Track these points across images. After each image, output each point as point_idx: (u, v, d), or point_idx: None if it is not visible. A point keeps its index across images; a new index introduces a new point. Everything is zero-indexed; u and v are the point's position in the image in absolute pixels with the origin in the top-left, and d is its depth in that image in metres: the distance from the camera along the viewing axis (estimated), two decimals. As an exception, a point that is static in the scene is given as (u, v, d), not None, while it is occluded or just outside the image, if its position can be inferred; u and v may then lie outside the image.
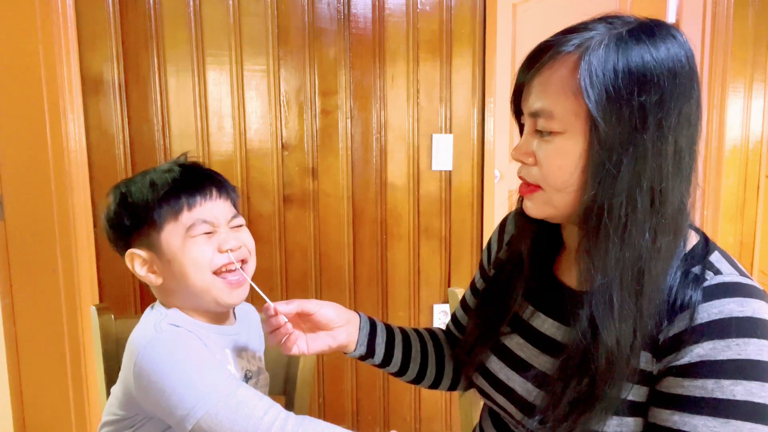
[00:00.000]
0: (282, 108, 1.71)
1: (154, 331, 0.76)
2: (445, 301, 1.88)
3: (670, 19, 2.19)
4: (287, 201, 1.74)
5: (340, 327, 0.82)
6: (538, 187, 0.67)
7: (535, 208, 0.69)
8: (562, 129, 0.63)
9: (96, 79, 1.59)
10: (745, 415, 0.57)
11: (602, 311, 0.62)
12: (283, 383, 1.12)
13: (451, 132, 1.83)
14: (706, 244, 0.67)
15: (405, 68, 1.77)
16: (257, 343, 0.92)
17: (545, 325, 0.75)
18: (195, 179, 0.82)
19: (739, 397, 0.57)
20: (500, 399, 0.78)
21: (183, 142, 1.65)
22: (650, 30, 0.61)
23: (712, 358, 0.58)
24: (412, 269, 1.87)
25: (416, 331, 0.95)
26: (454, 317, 0.97)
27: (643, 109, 0.59)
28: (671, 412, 0.61)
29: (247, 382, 0.84)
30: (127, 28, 1.59)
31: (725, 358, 0.58)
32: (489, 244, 0.93)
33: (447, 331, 0.98)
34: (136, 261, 0.80)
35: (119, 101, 1.60)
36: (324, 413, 1.86)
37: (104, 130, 1.61)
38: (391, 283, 1.85)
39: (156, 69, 1.62)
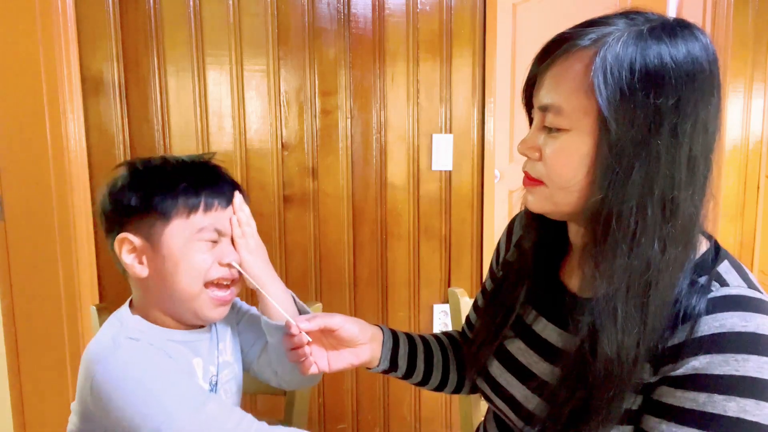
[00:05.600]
0: (282, 108, 1.71)
1: (112, 346, 0.71)
2: (445, 301, 1.88)
3: (670, 19, 2.18)
4: (287, 201, 1.74)
5: (363, 344, 0.80)
6: (541, 182, 0.65)
7: (535, 203, 0.67)
8: (569, 126, 0.61)
9: (96, 79, 1.59)
10: (734, 431, 0.55)
11: (605, 321, 0.60)
12: (283, 383, 1.12)
13: (451, 132, 1.83)
14: (716, 253, 0.64)
15: (405, 68, 1.77)
16: (229, 337, 0.88)
17: (546, 330, 0.73)
18: (218, 182, 0.78)
19: (730, 414, 0.55)
20: (500, 404, 0.78)
21: (183, 142, 1.65)
22: (672, 29, 0.58)
23: (708, 372, 0.56)
24: (412, 269, 1.87)
25: (436, 338, 0.93)
26: (467, 319, 0.96)
27: (658, 112, 0.56)
28: (659, 420, 0.59)
29: (212, 387, 0.81)
30: (127, 28, 1.59)
31: (721, 372, 0.56)
32: (498, 244, 0.92)
33: (463, 333, 0.97)
34: (126, 246, 0.74)
35: (119, 101, 1.60)
36: (324, 413, 1.86)
37: (104, 130, 1.61)
38: (391, 283, 1.85)
39: (156, 69, 1.62)
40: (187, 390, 0.70)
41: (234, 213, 0.79)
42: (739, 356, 0.55)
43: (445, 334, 0.96)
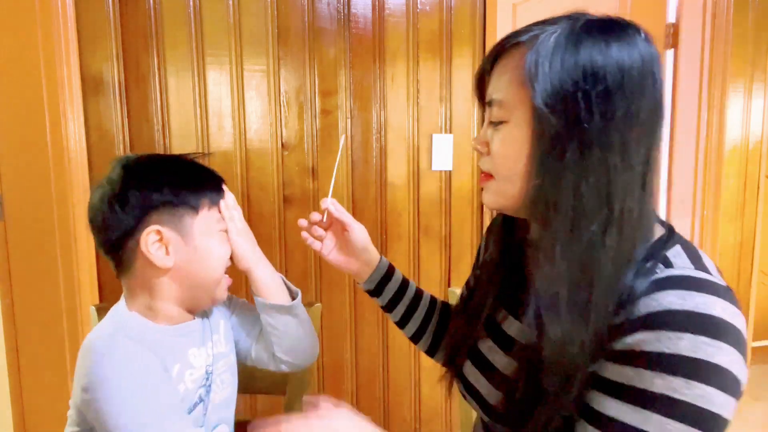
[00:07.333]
0: (282, 108, 1.71)
1: (109, 343, 0.74)
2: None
3: (670, 19, 2.18)
4: (287, 201, 1.74)
5: (356, 258, 0.92)
6: (492, 176, 0.69)
7: (489, 198, 0.71)
8: (509, 118, 0.64)
9: (96, 79, 1.59)
10: (660, 408, 0.55)
11: (547, 303, 0.61)
12: (283, 383, 1.12)
13: (451, 132, 1.83)
14: (668, 239, 0.65)
15: (405, 68, 1.77)
16: (222, 329, 0.91)
17: (512, 327, 0.75)
18: (217, 176, 0.85)
19: (656, 390, 0.55)
20: (472, 402, 0.79)
21: (183, 142, 1.65)
22: (606, 26, 0.61)
23: (640, 349, 0.56)
24: (412, 269, 1.86)
25: (432, 298, 0.99)
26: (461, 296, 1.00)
27: (587, 101, 0.58)
28: (595, 392, 0.60)
29: (207, 377, 0.83)
30: (127, 28, 1.59)
31: (652, 350, 0.55)
32: (480, 244, 0.95)
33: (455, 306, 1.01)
34: (153, 237, 0.76)
35: (119, 101, 1.60)
36: (324, 413, 1.86)
37: (104, 130, 1.61)
38: (391, 283, 1.85)
39: (156, 69, 1.62)
40: (166, 413, 0.72)
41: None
42: (672, 334, 0.55)
43: (444, 302, 1.01)
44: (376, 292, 0.96)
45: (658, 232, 0.66)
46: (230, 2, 1.64)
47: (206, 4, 1.62)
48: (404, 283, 0.97)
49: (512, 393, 0.67)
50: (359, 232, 0.91)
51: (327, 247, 0.93)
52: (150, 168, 0.79)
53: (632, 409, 0.56)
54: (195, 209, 0.78)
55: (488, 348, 0.77)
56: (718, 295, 0.56)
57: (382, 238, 1.82)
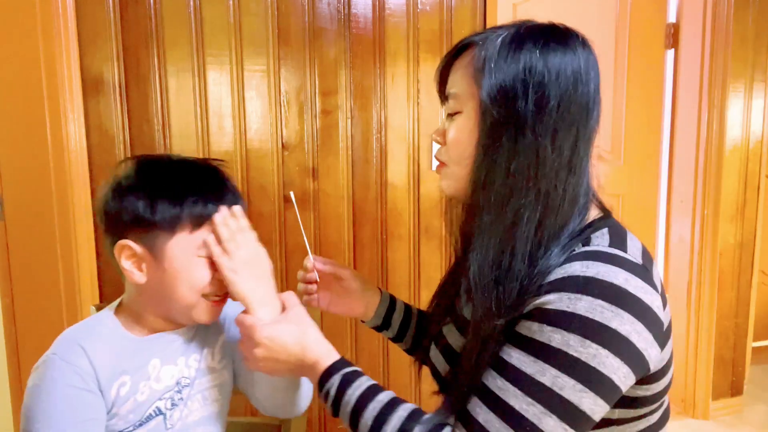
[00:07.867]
0: (282, 108, 1.71)
1: (55, 347, 0.77)
2: (445, 301, 1.88)
3: (670, 19, 2.19)
4: (287, 201, 1.74)
5: (359, 300, 0.95)
6: (446, 164, 0.75)
7: (444, 184, 0.76)
8: (461, 108, 0.72)
9: (96, 79, 1.59)
10: (555, 361, 0.59)
11: (476, 271, 0.67)
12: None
13: (451, 132, 1.82)
14: (599, 222, 0.70)
15: (405, 68, 1.77)
16: (220, 345, 0.87)
17: (466, 309, 0.80)
18: (222, 197, 0.77)
19: (554, 344, 0.60)
20: (437, 385, 0.84)
21: (183, 142, 1.65)
22: (548, 31, 0.68)
23: (544, 307, 0.61)
24: (413, 269, 1.87)
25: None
26: None
27: (525, 92, 0.65)
28: (506, 344, 0.65)
29: (180, 390, 0.79)
30: (127, 28, 1.59)
31: (554, 308, 0.60)
32: None
33: None
34: (126, 252, 0.73)
35: (119, 101, 1.60)
36: (324, 413, 1.86)
37: (104, 130, 1.61)
38: (391, 283, 1.85)
39: (156, 69, 1.62)
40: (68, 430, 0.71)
41: (213, 231, 0.76)
42: (573, 295, 0.60)
43: None
44: (384, 325, 0.98)
45: (596, 215, 0.72)
46: (230, 2, 1.64)
47: (206, 4, 1.62)
48: (408, 308, 1.00)
49: (460, 366, 0.72)
50: (351, 275, 0.95)
51: (324, 299, 0.96)
52: (139, 179, 0.74)
53: (532, 360, 0.61)
54: (171, 229, 0.72)
55: (448, 331, 0.82)
56: (624, 268, 0.61)
57: (382, 238, 1.82)
